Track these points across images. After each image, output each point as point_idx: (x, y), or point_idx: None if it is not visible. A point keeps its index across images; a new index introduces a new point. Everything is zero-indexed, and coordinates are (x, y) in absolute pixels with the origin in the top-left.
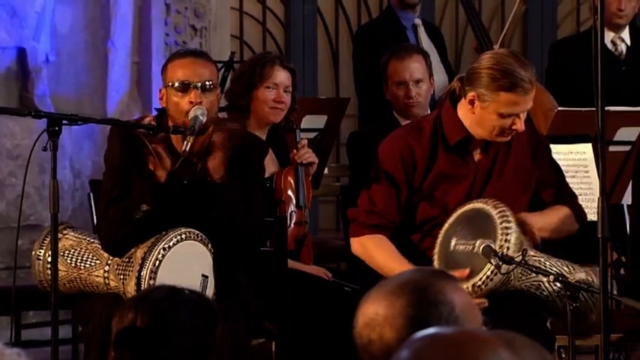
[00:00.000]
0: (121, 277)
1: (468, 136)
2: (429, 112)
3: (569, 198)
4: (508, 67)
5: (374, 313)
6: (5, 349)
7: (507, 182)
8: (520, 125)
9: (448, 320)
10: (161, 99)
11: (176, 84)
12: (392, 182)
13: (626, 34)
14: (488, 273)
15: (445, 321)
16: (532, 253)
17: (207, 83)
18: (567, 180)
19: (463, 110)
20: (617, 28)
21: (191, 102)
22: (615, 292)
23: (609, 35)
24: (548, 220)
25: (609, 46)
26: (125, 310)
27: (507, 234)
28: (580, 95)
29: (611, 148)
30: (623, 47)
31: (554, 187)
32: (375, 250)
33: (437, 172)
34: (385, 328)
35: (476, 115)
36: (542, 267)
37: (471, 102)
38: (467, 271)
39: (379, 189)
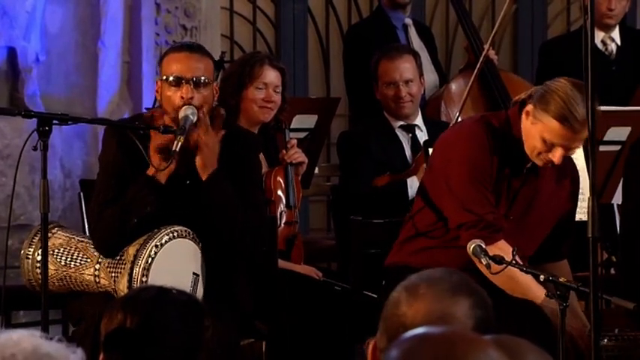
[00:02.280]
0: (113, 275)
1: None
2: (420, 112)
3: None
4: (570, 100)
5: (432, 312)
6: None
7: (544, 210)
8: (556, 158)
9: (493, 322)
10: (157, 91)
11: (170, 78)
12: (485, 181)
13: (616, 34)
14: None
15: (493, 324)
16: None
17: (200, 79)
18: None
19: (522, 120)
20: (607, 28)
21: (182, 97)
22: None
23: (599, 35)
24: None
25: (599, 45)
26: (114, 311)
27: None
28: None
29: (602, 148)
30: (613, 47)
31: (568, 234)
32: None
33: (501, 174)
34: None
35: (524, 128)
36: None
37: (527, 114)
38: None
39: (484, 189)
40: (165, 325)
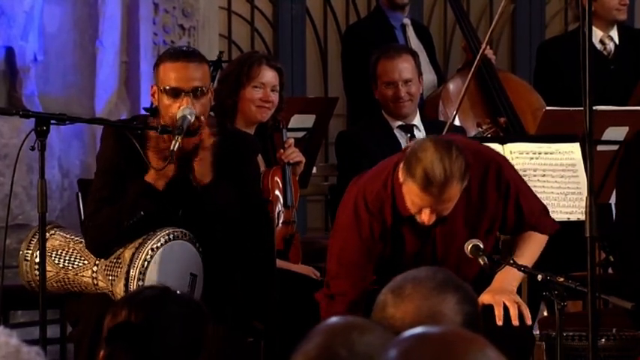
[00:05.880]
0: (110, 277)
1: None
2: (418, 112)
3: (536, 219)
4: (430, 165)
5: (420, 311)
6: (23, 346)
7: (462, 241)
8: (425, 220)
9: (480, 317)
10: (152, 95)
11: (167, 88)
12: (356, 267)
13: (614, 33)
14: None
15: (480, 318)
16: None
17: (198, 89)
18: (555, 179)
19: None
20: (610, 26)
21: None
22: None
23: (598, 34)
24: (505, 283)
25: (598, 45)
26: (118, 308)
27: None
28: (568, 94)
29: (599, 148)
30: (611, 46)
31: (519, 223)
32: None
33: (399, 246)
34: (446, 324)
35: (402, 188)
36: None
37: (398, 176)
38: None
39: (343, 274)
40: (168, 322)
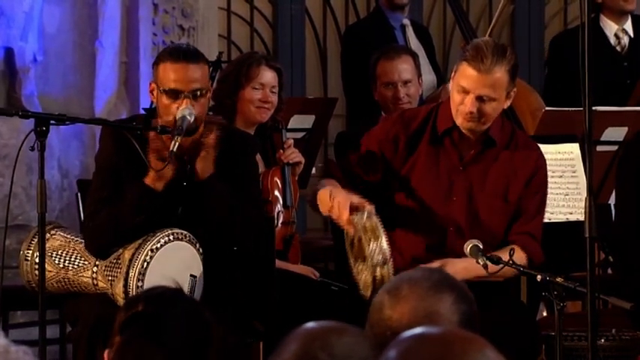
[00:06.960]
0: (109, 278)
1: (454, 127)
2: None
3: (529, 236)
4: (480, 44)
5: (417, 311)
6: (11, 345)
7: (488, 194)
8: (468, 106)
9: (477, 315)
10: (151, 92)
11: (167, 88)
12: (369, 161)
13: (628, 26)
14: None
15: (478, 317)
16: None
17: (197, 91)
18: (555, 180)
19: None
20: (623, 16)
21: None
22: None
23: (613, 28)
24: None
25: (612, 40)
26: (132, 302)
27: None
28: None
29: (599, 148)
30: (626, 40)
31: (524, 220)
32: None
33: (416, 163)
34: (442, 323)
35: (451, 89)
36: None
37: (455, 68)
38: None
39: (359, 161)
40: (176, 319)
